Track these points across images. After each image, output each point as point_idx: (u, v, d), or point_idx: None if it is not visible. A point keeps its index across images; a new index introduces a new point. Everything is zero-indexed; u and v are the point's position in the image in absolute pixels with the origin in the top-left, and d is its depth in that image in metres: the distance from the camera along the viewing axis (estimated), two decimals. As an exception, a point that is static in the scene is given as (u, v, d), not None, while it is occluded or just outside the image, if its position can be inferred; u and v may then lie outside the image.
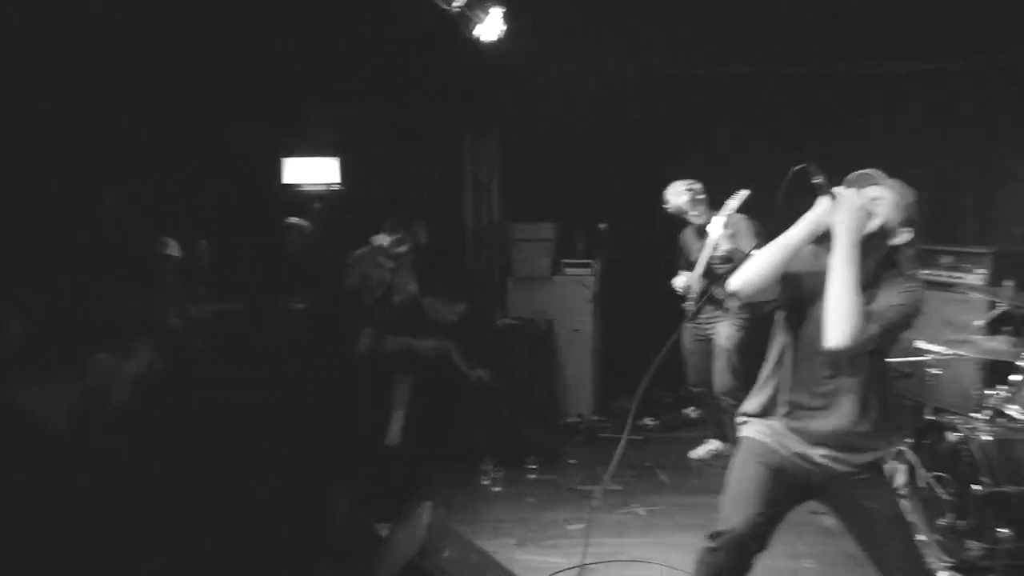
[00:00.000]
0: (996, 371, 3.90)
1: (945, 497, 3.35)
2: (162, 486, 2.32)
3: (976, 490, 3.14)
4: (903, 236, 2.17)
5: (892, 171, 5.80)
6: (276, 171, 5.48)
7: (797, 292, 2.28)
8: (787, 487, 2.31)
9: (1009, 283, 3.92)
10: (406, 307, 4.55)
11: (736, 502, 2.29)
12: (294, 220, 5.05)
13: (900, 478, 3.72)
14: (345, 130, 5.82)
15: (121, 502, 1.89)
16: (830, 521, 3.86)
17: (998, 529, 3.05)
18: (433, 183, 6.04)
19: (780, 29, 5.41)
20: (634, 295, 5.94)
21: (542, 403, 5.47)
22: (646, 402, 5.90)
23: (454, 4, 4.19)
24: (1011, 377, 3.39)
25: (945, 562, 3.34)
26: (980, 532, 3.13)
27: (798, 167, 2.17)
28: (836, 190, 2.15)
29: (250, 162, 5.47)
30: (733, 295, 2.30)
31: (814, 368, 2.26)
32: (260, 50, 5.08)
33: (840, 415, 2.23)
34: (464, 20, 4.32)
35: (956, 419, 3.57)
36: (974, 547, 3.16)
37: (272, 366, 3.60)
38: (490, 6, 4.33)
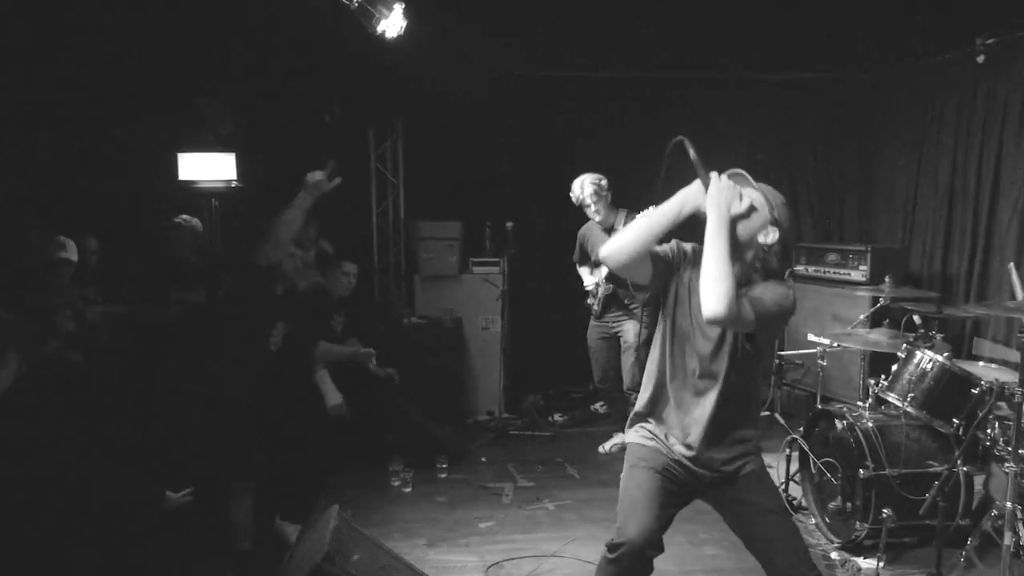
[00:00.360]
0: (878, 361, 4.16)
1: (834, 482, 3.55)
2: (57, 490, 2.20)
3: (861, 474, 3.35)
4: (771, 235, 2.23)
5: (784, 175, 6.07)
6: (171, 166, 5.22)
7: (669, 282, 2.34)
8: (675, 487, 2.34)
9: (887, 279, 4.18)
10: (311, 293, 4.41)
11: (630, 512, 2.29)
12: (184, 218, 4.82)
13: (793, 465, 3.93)
14: (243, 124, 5.61)
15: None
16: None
17: (882, 509, 3.25)
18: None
19: (680, 34, 5.59)
20: (542, 293, 6.02)
21: (451, 402, 5.46)
22: (555, 398, 6.03)
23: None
24: (892, 367, 3.62)
25: (835, 543, 3.54)
26: (866, 513, 3.34)
27: (675, 140, 2.24)
28: (709, 172, 2.22)
29: (142, 156, 5.20)
30: (603, 261, 2.32)
31: (688, 362, 2.32)
32: (153, 39, 4.83)
33: (711, 411, 2.27)
34: (366, 15, 4.25)
35: (843, 407, 3.79)
36: (860, 527, 3.37)
37: (171, 366, 3.44)
38: (392, 2, 4.27)
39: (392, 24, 4.33)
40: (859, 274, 5.09)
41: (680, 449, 2.33)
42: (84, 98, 5.04)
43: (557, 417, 5.72)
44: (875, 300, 4.39)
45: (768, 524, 2.32)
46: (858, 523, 3.38)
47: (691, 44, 5.71)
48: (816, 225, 6.38)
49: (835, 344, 4.08)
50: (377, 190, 6.05)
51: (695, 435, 2.31)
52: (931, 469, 3.37)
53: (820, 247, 5.54)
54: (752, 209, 2.22)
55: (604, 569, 2.31)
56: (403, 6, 4.31)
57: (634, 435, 2.44)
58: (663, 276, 2.33)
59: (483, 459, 4.89)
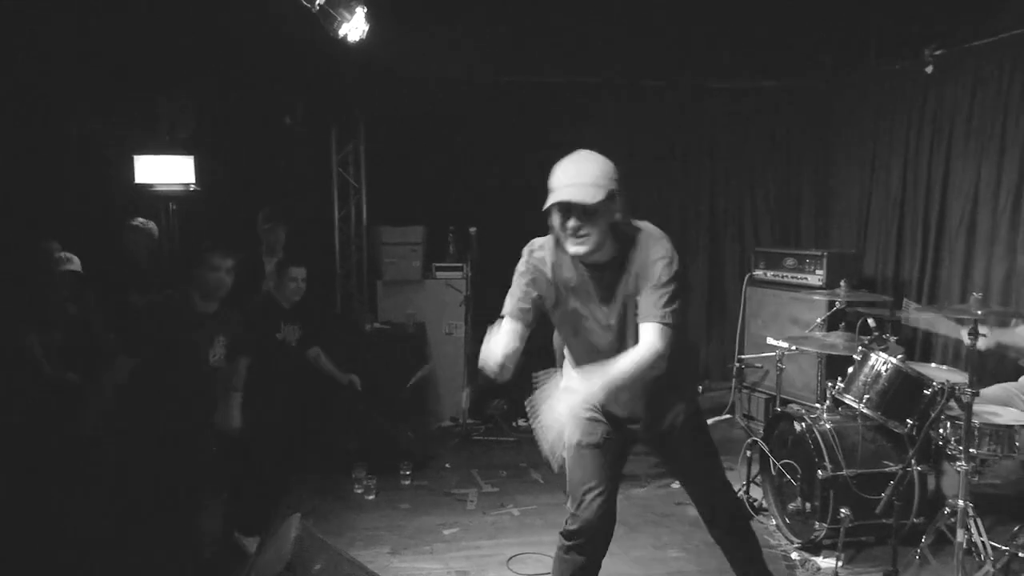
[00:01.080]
0: (835, 364, 4.24)
1: (794, 483, 3.61)
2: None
3: (819, 475, 3.41)
4: (615, 213, 2.28)
5: (743, 181, 6.06)
6: (128, 169, 5.11)
7: (543, 303, 2.44)
8: (616, 447, 2.50)
9: (843, 283, 4.27)
10: (254, 305, 4.29)
11: (579, 492, 2.45)
12: (140, 221, 4.72)
13: (754, 467, 3.98)
14: (202, 127, 5.52)
15: None
16: (693, 512, 4.06)
17: (840, 509, 3.31)
18: (298, 185, 5.85)
19: (638, 42, 5.66)
20: (505, 298, 6.01)
21: (414, 407, 5.42)
22: (519, 404, 6.02)
23: (316, 2, 4.08)
24: (848, 369, 3.70)
25: (795, 543, 3.60)
26: (824, 513, 3.40)
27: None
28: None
29: (98, 159, 5.08)
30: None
31: (593, 341, 2.41)
32: (111, 40, 4.73)
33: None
34: (328, 19, 4.22)
35: (802, 409, 3.86)
36: (819, 527, 3.43)
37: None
38: (355, 5, 4.25)
39: (354, 28, 4.31)
40: (815, 278, 5.19)
41: (614, 415, 2.48)
42: (39, 100, 4.91)
43: (521, 422, 5.71)
44: (831, 304, 4.48)
45: (698, 467, 2.62)
46: (817, 523, 3.44)
47: (649, 52, 5.78)
48: (774, 230, 6.51)
49: (793, 347, 4.16)
50: (339, 195, 5.99)
51: (620, 403, 2.45)
52: (886, 469, 3.45)
53: (777, 252, 5.65)
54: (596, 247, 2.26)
55: (561, 558, 2.47)
56: (365, 10, 4.29)
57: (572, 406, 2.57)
58: (540, 307, 2.43)
59: (447, 465, 4.87)
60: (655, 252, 2.29)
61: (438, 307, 5.72)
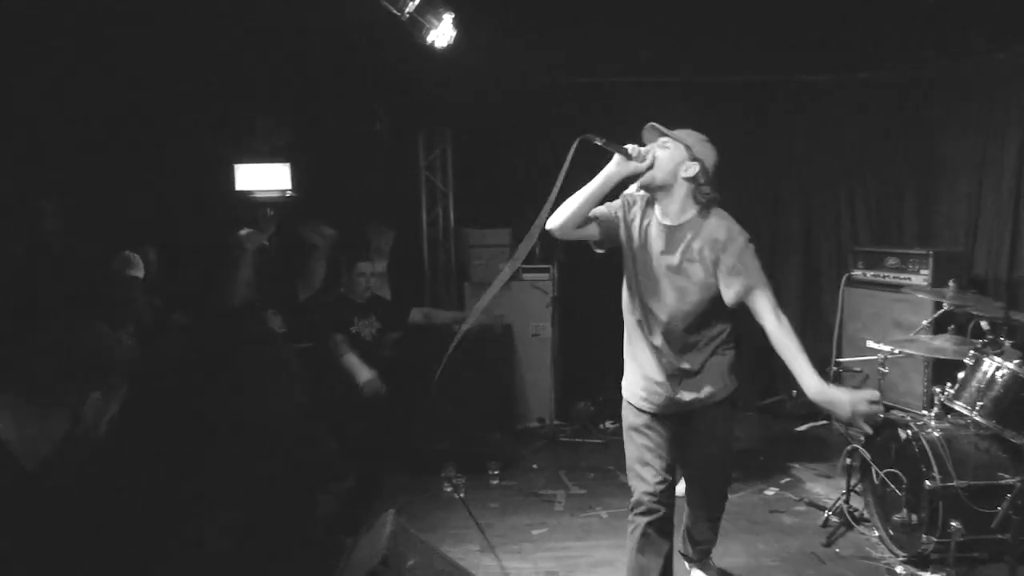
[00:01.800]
0: (943, 369, 4.02)
1: (899, 493, 3.44)
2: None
3: (927, 485, 3.24)
4: (691, 169, 2.56)
5: (839, 176, 5.82)
6: (228, 177, 5.36)
7: (616, 235, 2.72)
8: (665, 432, 2.70)
9: (951, 283, 4.05)
10: (334, 300, 4.57)
11: (634, 478, 2.73)
12: (249, 231, 4.91)
13: (854, 476, 3.82)
14: (297, 136, 5.73)
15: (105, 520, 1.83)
16: (788, 520, 3.95)
17: (950, 522, 3.14)
18: (388, 189, 5.99)
19: (730, 38, 5.51)
20: (591, 300, 5.98)
21: (501, 408, 5.45)
22: (606, 405, 5.98)
23: (406, 10, 4.17)
24: (958, 375, 3.50)
25: (900, 556, 3.43)
26: (933, 526, 3.22)
27: (580, 138, 2.52)
28: (628, 146, 2.60)
29: (201, 168, 5.34)
30: (550, 232, 2.74)
31: (645, 319, 2.68)
32: (210, 56, 4.97)
33: (668, 361, 2.64)
34: (416, 26, 4.30)
35: (907, 416, 3.68)
36: (927, 541, 3.25)
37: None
38: (442, 12, 4.32)
39: (442, 34, 4.37)
40: (920, 278, 4.94)
41: (663, 394, 2.66)
42: (144, 113, 5.20)
43: (608, 424, 5.67)
44: (938, 305, 4.25)
45: (711, 463, 2.83)
46: (924, 536, 3.26)
47: (741, 47, 5.62)
48: (872, 229, 6.22)
49: (897, 351, 3.96)
50: (427, 199, 6.10)
51: (658, 379, 2.67)
52: (1002, 481, 3.24)
53: (878, 251, 5.39)
54: (661, 152, 2.60)
55: (630, 535, 2.73)
56: (452, 16, 4.35)
57: (625, 390, 2.80)
58: (610, 231, 2.71)
59: (534, 466, 4.88)
60: (733, 232, 2.55)
61: (525, 308, 5.73)
